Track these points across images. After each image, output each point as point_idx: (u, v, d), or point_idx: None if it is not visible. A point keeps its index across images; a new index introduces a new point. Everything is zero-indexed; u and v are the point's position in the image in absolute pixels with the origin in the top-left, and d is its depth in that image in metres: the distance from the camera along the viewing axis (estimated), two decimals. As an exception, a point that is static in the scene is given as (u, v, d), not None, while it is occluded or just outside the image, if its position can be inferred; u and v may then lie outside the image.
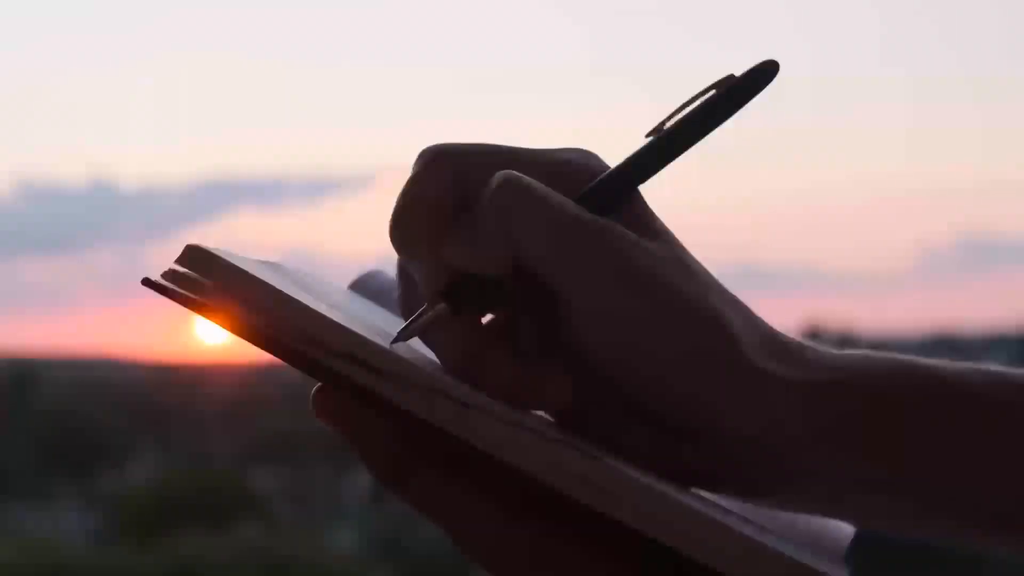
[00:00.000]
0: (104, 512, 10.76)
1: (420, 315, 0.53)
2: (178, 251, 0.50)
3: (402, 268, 0.57)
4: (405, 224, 0.54)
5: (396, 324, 0.62)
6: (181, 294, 0.50)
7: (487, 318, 0.57)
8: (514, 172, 0.53)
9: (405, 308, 0.56)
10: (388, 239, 0.55)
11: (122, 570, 8.78)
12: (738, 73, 0.55)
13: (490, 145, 0.55)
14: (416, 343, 0.54)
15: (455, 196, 0.54)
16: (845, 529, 0.61)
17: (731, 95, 0.55)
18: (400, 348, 0.51)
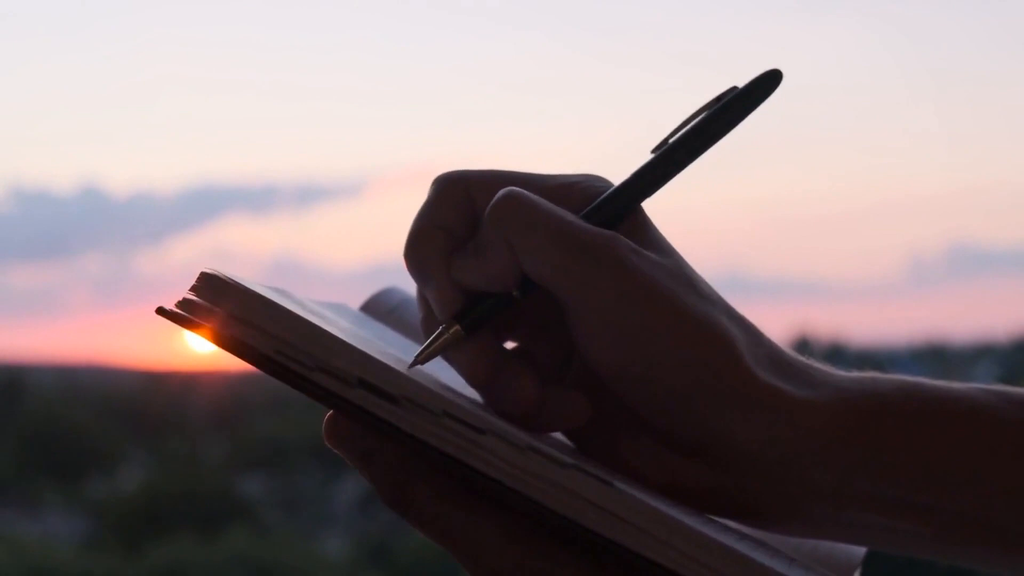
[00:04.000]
0: (93, 517, 10.74)
1: (435, 339, 0.54)
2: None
3: (421, 293, 0.57)
4: (417, 249, 0.55)
5: (407, 345, 0.62)
6: (195, 323, 0.50)
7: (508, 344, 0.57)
8: (514, 187, 0.54)
9: (427, 332, 0.56)
10: (404, 265, 0.56)
11: (110, 575, 8.76)
12: (741, 84, 0.55)
13: (497, 171, 0.56)
14: (438, 364, 0.55)
15: (465, 221, 0.55)
16: (856, 551, 0.61)
17: (735, 106, 0.55)
18: (415, 372, 0.51)
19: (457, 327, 0.54)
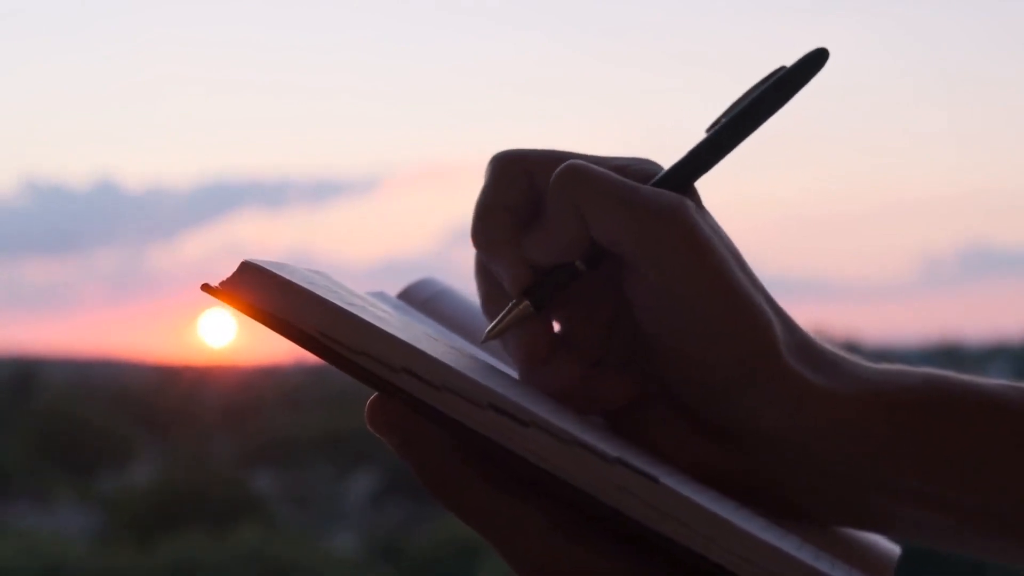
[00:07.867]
0: (104, 512, 10.76)
1: (506, 314, 0.56)
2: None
3: (482, 269, 0.59)
4: (486, 226, 0.56)
5: (444, 334, 0.63)
6: (240, 300, 0.51)
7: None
8: (574, 160, 0.55)
9: (488, 307, 0.59)
10: (471, 242, 0.57)
11: (121, 571, 8.78)
12: (788, 64, 0.57)
13: (554, 150, 0.57)
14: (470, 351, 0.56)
15: (526, 199, 0.57)
16: (892, 547, 0.61)
17: (783, 84, 0.56)
18: (457, 361, 0.52)
19: (527, 302, 0.55)
